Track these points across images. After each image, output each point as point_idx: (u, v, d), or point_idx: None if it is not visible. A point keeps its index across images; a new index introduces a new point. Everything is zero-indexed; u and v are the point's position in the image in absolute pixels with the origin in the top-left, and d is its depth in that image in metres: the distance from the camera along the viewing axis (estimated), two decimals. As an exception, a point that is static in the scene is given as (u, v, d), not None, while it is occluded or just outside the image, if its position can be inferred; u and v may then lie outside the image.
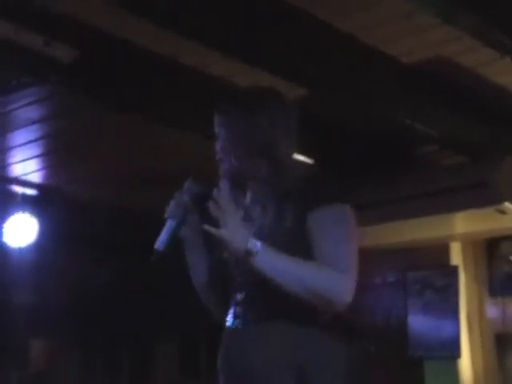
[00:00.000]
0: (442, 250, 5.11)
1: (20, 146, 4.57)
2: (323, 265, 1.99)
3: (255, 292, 2.09)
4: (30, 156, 4.73)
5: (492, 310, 5.17)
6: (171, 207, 2.18)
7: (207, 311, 2.21)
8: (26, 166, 4.90)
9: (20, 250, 5.31)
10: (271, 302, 2.05)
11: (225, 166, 2.17)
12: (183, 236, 2.22)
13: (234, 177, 2.15)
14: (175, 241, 2.19)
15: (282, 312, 2.04)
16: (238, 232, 2.01)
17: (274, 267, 2.00)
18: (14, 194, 5.28)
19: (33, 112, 4.06)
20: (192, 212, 2.20)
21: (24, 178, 5.11)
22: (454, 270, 5.09)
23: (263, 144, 2.12)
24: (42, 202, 5.34)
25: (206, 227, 2.05)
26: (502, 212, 4.51)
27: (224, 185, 2.06)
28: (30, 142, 4.50)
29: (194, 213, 2.21)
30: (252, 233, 2.05)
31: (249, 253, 1.99)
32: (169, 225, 2.17)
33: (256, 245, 1.99)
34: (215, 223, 2.07)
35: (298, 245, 2.03)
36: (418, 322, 5.11)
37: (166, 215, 2.18)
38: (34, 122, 4.21)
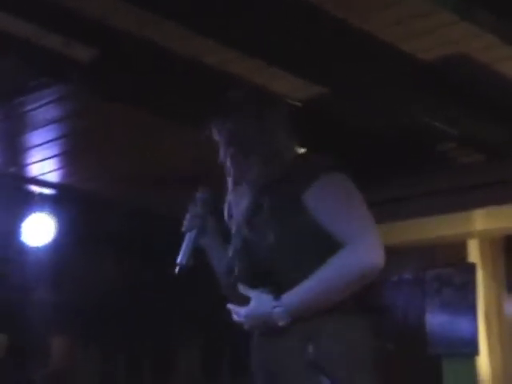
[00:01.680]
0: (460, 247, 5.09)
1: (38, 146, 4.59)
2: (334, 249, 1.95)
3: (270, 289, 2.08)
4: (47, 156, 4.76)
5: (510, 308, 5.15)
6: (187, 220, 2.23)
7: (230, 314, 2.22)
8: (44, 166, 4.93)
9: (38, 248, 5.34)
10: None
11: (226, 169, 2.23)
12: (204, 244, 2.25)
13: (235, 178, 2.20)
14: (197, 251, 2.22)
15: None
16: (258, 322, 2.03)
17: (305, 307, 1.98)
18: (31, 194, 5.31)
19: (51, 112, 4.08)
20: (208, 219, 2.24)
21: (42, 177, 5.13)
22: (471, 268, 5.07)
23: (254, 144, 2.14)
24: (60, 202, 5.36)
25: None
26: (520, 209, 4.50)
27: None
28: (47, 141, 4.53)
29: (210, 219, 2.25)
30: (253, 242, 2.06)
31: (276, 321, 1.99)
32: (188, 237, 2.21)
33: (278, 313, 1.98)
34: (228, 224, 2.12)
35: (303, 233, 2.01)
36: (436, 320, 5.10)
37: (183, 229, 2.22)
38: (52, 122, 4.23)
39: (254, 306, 2.04)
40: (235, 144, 2.18)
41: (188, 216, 2.24)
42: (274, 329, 2.02)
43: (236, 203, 2.20)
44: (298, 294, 1.99)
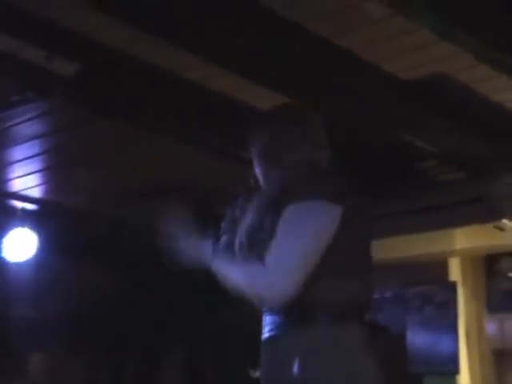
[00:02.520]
0: (441, 265, 5.13)
1: (20, 161, 4.58)
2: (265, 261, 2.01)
3: None
4: (30, 171, 4.75)
5: (491, 326, 5.17)
6: (226, 223, 2.26)
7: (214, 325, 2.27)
8: (26, 181, 4.92)
9: (20, 264, 5.32)
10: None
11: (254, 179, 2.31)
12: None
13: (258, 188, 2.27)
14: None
15: (287, 320, 2.07)
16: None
17: (221, 272, 2.11)
18: (13, 209, 5.29)
19: (33, 127, 4.07)
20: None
21: (24, 192, 5.12)
22: (452, 286, 5.10)
23: (267, 156, 2.24)
24: (42, 217, 5.35)
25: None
26: (501, 229, 4.53)
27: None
28: (30, 157, 4.52)
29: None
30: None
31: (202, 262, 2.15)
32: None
33: (206, 255, 2.15)
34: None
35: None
36: (418, 338, 5.11)
37: (221, 232, 2.26)
38: (34, 137, 4.23)
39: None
40: (265, 156, 2.26)
41: (227, 220, 2.26)
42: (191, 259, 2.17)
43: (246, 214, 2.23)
44: (226, 262, 2.13)
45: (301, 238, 2.01)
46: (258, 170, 2.29)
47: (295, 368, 1.99)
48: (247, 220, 2.16)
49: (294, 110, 2.42)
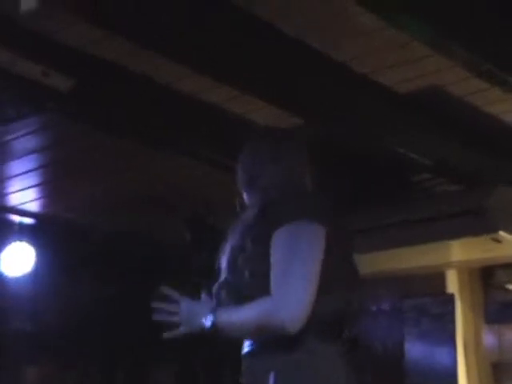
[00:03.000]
0: (438, 277, 5.12)
1: (18, 175, 4.60)
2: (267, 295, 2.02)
3: None
4: (27, 185, 4.76)
5: (488, 338, 5.16)
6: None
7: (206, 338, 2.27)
8: (24, 196, 4.93)
9: (17, 279, 5.32)
10: None
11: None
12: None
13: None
14: None
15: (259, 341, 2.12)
16: (190, 318, 2.18)
17: (229, 330, 2.11)
18: (11, 223, 5.30)
19: (31, 142, 4.10)
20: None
21: (22, 207, 5.13)
22: (450, 298, 5.09)
23: (250, 177, 2.29)
24: (40, 231, 5.36)
25: (166, 335, 2.23)
26: (497, 241, 4.52)
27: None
28: (27, 171, 4.54)
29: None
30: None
31: (207, 331, 2.12)
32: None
33: (210, 319, 2.11)
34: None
35: (263, 269, 2.07)
36: (415, 350, 5.10)
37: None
38: (31, 152, 4.25)
39: (195, 302, 2.20)
40: (245, 180, 2.31)
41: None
42: (196, 332, 2.16)
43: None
44: (228, 315, 2.12)
45: (300, 259, 2.03)
46: (243, 195, 2.34)
47: (270, 382, 2.02)
48: (229, 244, 2.20)
49: (272, 134, 2.46)
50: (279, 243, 2.05)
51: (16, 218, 5.27)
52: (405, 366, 5.10)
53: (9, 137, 4.03)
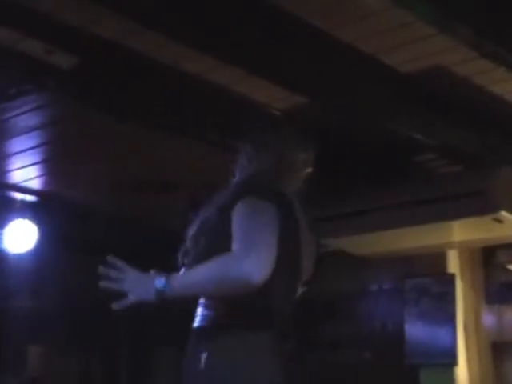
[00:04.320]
0: (439, 257, 5.13)
1: (19, 152, 4.59)
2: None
3: None
4: (29, 163, 4.76)
5: (488, 318, 5.19)
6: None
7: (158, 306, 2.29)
8: (26, 173, 4.93)
9: (20, 255, 5.33)
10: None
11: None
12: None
13: None
14: None
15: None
16: (138, 285, 2.19)
17: (183, 289, 2.14)
18: (13, 201, 5.30)
19: (32, 119, 4.08)
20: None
21: (23, 184, 5.13)
22: (450, 278, 5.11)
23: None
24: (42, 209, 5.36)
25: (114, 306, 2.23)
26: (499, 221, 4.53)
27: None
28: (29, 148, 4.53)
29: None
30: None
31: (160, 293, 2.13)
32: None
33: (161, 281, 2.13)
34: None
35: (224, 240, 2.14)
36: (415, 330, 5.13)
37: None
38: (33, 129, 4.24)
39: (144, 273, 2.21)
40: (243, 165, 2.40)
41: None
42: (147, 300, 2.16)
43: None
44: (183, 275, 2.18)
45: (254, 229, 2.12)
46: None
47: (202, 362, 2.11)
48: (201, 214, 2.30)
49: (266, 120, 2.70)
50: (238, 215, 2.15)
51: (18, 196, 5.27)
52: (405, 346, 5.13)
53: (10, 114, 4.02)
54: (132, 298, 2.20)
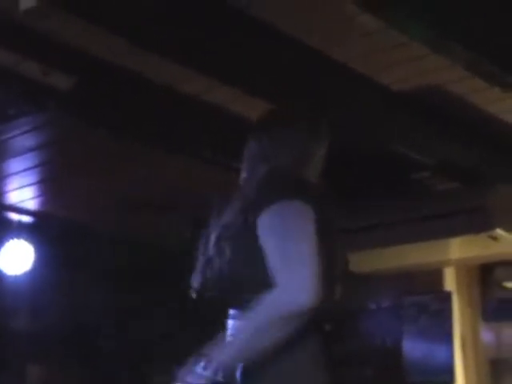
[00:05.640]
0: (436, 275, 5.14)
1: (16, 173, 4.60)
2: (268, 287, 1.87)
3: None
4: (26, 183, 4.76)
5: (486, 336, 5.18)
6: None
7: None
8: (23, 194, 4.93)
9: (16, 277, 5.32)
10: None
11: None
12: None
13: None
14: None
15: None
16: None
17: (237, 358, 1.92)
18: (10, 221, 5.30)
19: (29, 139, 4.10)
20: None
21: (20, 205, 5.13)
22: (447, 295, 5.11)
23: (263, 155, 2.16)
24: (38, 229, 5.35)
25: None
26: (495, 238, 4.55)
27: None
28: (26, 169, 4.54)
29: None
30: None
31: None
32: None
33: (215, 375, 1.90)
34: None
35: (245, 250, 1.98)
36: (414, 347, 5.12)
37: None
38: (30, 150, 4.25)
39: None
40: (256, 158, 2.18)
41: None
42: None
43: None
44: (226, 350, 1.95)
45: (292, 242, 1.90)
46: (243, 176, 2.20)
47: (238, 374, 1.92)
48: (222, 219, 2.08)
49: (287, 115, 2.33)
50: (266, 228, 1.93)
51: (15, 216, 5.27)
52: (403, 363, 5.12)
53: (8, 135, 4.04)
54: None
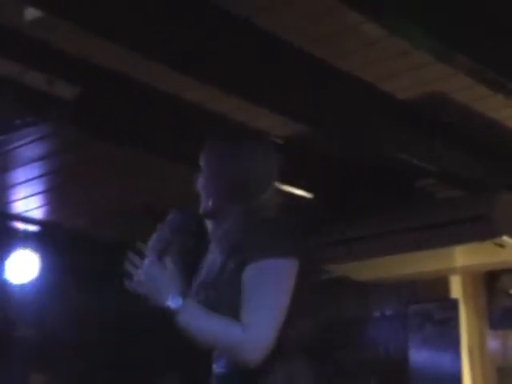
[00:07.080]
0: (442, 283, 5.12)
1: (22, 183, 4.61)
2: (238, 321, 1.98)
3: None
4: (32, 193, 4.78)
5: (493, 344, 5.16)
6: (152, 241, 2.22)
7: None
8: (28, 203, 4.94)
9: (22, 286, 5.33)
10: None
11: (201, 201, 2.25)
12: None
13: (207, 214, 2.23)
14: None
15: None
16: (155, 287, 2.08)
17: (190, 325, 2.03)
18: (15, 231, 5.31)
19: (35, 149, 4.11)
20: (173, 244, 2.21)
21: (26, 214, 5.15)
22: (454, 304, 5.09)
23: (233, 185, 2.16)
24: (44, 238, 5.36)
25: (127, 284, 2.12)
26: (501, 246, 4.53)
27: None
28: (31, 179, 4.55)
29: (176, 244, 2.21)
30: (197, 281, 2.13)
31: (169, 309, 2.04)
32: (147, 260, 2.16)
33: (177, 302, 2.03)
34: (197, 254, 2.15)
35: (233, 298, 2.03)
36: (419, 356, 5.10)
37: (146, 251, 2.20)
38: (35, 160, 4.26)
39: (164, 271, 2.10)
40: (216, 183, 2.23)
41: (153, 237, 2.23)
42: (156, 304, 2.08)
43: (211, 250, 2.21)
44: (198, 313, 2.05)
45: (270, 298, 2.00)
46: (201, 184, 2.27)
47: None
48: (210, 262, 2.15)
49: (237, 133, 2.35)
50: (254, 277, 2.01)
51: (20, 226, 5.28)
52: (409, 372, 5.10)
53: (13, 145, 4.05)
54: (140, 290, 2.13)
